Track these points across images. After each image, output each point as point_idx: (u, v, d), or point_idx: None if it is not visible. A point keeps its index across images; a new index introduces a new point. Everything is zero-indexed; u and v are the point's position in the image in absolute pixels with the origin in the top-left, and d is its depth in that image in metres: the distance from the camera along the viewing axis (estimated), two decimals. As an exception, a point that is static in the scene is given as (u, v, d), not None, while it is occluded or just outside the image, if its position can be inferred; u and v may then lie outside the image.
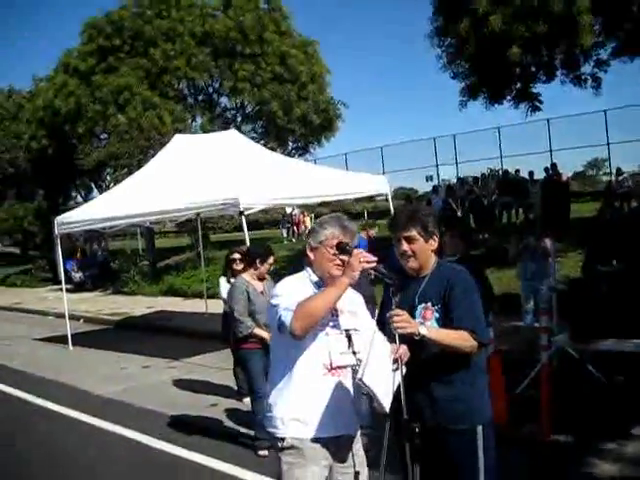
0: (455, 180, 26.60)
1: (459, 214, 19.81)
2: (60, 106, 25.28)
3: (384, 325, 3.30)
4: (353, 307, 3.43)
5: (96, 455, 6.74)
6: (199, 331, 12.62)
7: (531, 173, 21.67)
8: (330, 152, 47.05)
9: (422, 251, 3.43)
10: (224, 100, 27.84)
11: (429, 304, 3.36)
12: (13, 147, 32.36)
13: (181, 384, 9.41)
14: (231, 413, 7.68)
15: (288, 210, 27.96)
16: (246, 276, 6.56)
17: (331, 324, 3.27)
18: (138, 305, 18.21)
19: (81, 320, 16.71)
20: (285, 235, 29.78)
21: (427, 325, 3.27)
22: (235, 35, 24.63)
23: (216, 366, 9.86)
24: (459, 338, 3.23)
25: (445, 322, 3.31)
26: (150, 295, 20.19)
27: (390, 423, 3.29)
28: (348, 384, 3.29)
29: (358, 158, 34.36)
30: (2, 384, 10.19)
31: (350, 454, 3.40)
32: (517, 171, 22.67)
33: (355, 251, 3.21)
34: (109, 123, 24.05)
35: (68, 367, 11.27)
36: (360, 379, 3.02)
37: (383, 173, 30.74)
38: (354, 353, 3.29)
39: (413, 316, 3.30)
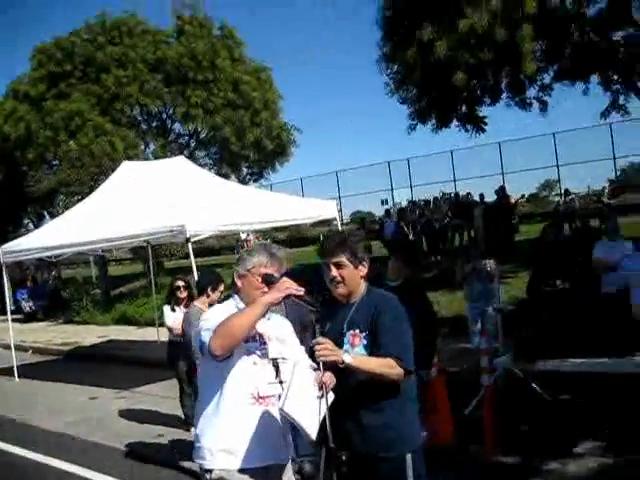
0: (407, 203, 26.86)
1: (411, 237, 19.96)
2: (10, 132, 24.99)
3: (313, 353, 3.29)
4: (282, 335, 3.42)
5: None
6: (150, 360, 12.42)
7: (481, 196, 21.97)
8: (286, 177, 47.23)
9: (351, 277, 3.43)
10: (177, 126, 27.90)
11: (357, 331, 3.36)
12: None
13: (129, 414, 9.24)
14: (177, 443, 7.56)
15: (243, 236, 27.85)
16: (198, 303, 6.69)
17: (259, 353, 3.26)
18: (89, 334, 17.86)
19: (29, 351, 16.34)
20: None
21: (352, 352, 3.27)
22: (187, 62, 24.72)
23: (165, 395, 9.70)
24: (384, 365, 3.22)
25: (373, 349, 3.30)
26: (102, 324, 19.79)
27: (322, 451, 3.28)
28: (276, 413, 3.27)
29: (314, 183, 34.61)
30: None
31: None
32: (468, 194, 22.98)
33: (283, 279, 3.23)
34: (60, 149, 23.85)
35: (12, 400, 11.00)
36: (281, 408, 3.00)
37: (339, 197, 30.98)
38: (281, 382, 3.28)
39: (342, 342, 3.31)
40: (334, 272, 3.42)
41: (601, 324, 6.70)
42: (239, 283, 3.40)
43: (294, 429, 6.05)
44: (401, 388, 3.35)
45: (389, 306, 3.42)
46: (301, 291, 3.16)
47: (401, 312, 3.43)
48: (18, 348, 14.85)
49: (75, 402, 10.47)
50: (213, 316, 3.25)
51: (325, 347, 3.10)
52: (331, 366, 3.15)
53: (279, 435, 3.31)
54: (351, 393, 3.28)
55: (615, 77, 14.80)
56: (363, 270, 3.49)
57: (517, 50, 12.63)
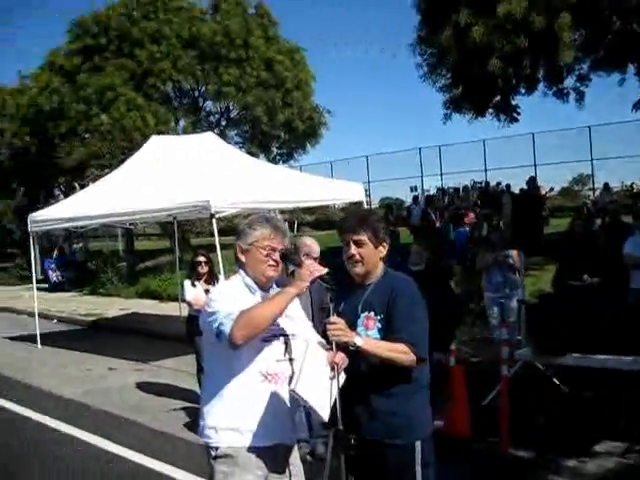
0: (435, 191, 26.63)
1: (437, 225, 19.76)
2: (44, 104, 25.14)
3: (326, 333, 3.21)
4: (290, 311, 3.31)
5: (48, 457, 6.61)
6: (170, 334, 12.46)
7: (508, 186, 21.69)
8: (315, 159, 47.13)
9: (370, 257, 3.32)
10: (209, 104, 27.82)
11: (372, 313, 3.26)
12: (-5, 144, 32.10)
13: (146, 387, 9.27)
14: (192, 418, 7.55)
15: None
16: None
17: (268, 330, 3.17)
18: (113, 306, 18.03)
19: (54, 320, 16.53)
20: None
21: (366, 335, 3.18)
22: (221, 39, 24.58)
23: (183, 369, 9.70)
24: (396, 350, 3.12)
25: (387, 332, 3.21)
26: (126, 297, 20.00)
27: (330, 433, 3.20)
28: (284, 393, 3.19)
29: (343, 167, 34.38)
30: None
31: (286, 464, 3.30)
32: (498, 184, 22.70)
33: (306, 262, 3.17)
34: (92, 123, 23.93)
35: (34, 366, 11.14)
36: (293, 390, 2.94)
37: (368, 182, 30.79)
38: (290, 360, 3.21)
39: (355, 324, 3.22)
40: (353, 250, 3.31)
41: (629, 321, 6.55)
42: (242, 258, 3.30)
43: (307, 410, 6.02)
44: (413, 375, 3.25)
45: (406, 290, 3.31)
46: (324, 270, 3.08)
47: (418, 297, 3.32)
48: (44, 317, 15.01)
49: (94, 372, 10.56)
50: (223, 297, 3.16)
51: (338, 327, 3.03)
52: (343, 347, 3.08)
53: (287, 414, 3.24)
54: (362, 376, 3.20)
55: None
56: (383, 251, 3.38)
57: (555, 38, 12.39)
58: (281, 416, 3.20)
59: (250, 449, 3.15)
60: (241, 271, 3.33)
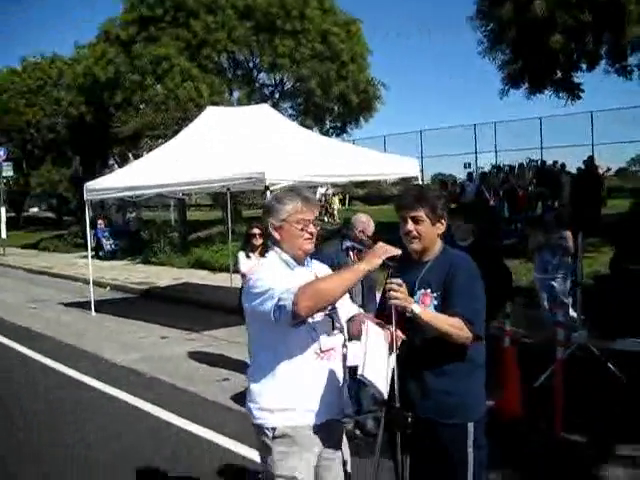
0: (490, 168, 26.21)
1: (491, 202, 19.52)
2: (99, 74, 25.42)
3: (383, 311, 3.18)
4: None
5: (103, 421, 6.77)
6: (221, 305, 12.57)
7: (563, 165, 21.23)
8: (369, 134, 46.87)
9: (428, 233, 3.27)
10: (263, 76, 27.72)
11: (429, 290, 3.21)
12: (53, 113, 32.71)
13: (197, 356, 9.39)
14: (242, 389, 7.63)
15: (321, 190, 27.78)
16: None
17: None
18: (165, 276, 18.30)
19: (107, 287, 16.84)
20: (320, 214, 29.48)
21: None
22: (277, 10, 24.41)
23: (234, 340, 9.77)
24: (453, 325, 3.06)
25: (444, 308, 3.16)
26: (178, 267, 20.24)
27: (385, 410, 3.18)
28: (337, 367, 3.20)
29: (397, 141, 34.15)
30: (23, 346, 10.34)
31: (340, 440, 3.31)
32: (555, 163, 22.24)
33: (380, 243, 3.10)
34: (146, 93, 24.11)
35: (87, 333, 11.38)
36: (362, 375, 2.90)
37: (421, 158, 30.49)
38: (341, 331, 3.21)
39: None
40: (410, 226, 3.26)
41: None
42: (277, 235, 3.21)
43: (357, 385, 6.05)
44: (469, 354, 3.19)
45: (465, 266, 3.26)
46: (398, 252, 3.02)
47: (476, 273, 3.27)
48: (98, 284, 15.29)
49: (146, 340, 10.74)
50: (271, 275, 3.08)
51: (400, 290, 2.98)
52: (398, 322, 3.04)
53: (339, 390, 3.23)
54: (416, 354, 3.16)
55: None
56: (441, 227, 3.32)
57: (621, 12, 11.99)
58: (334, 392, 3.19)
59: (307, 427, 3.13)
60: (276, 248, 3.25)
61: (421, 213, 3.25)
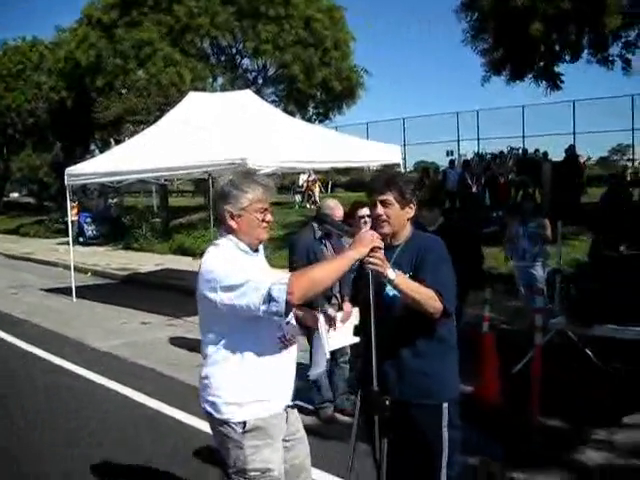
0: (472, 155, 26.32)
1: (474, 189, 19.60)
2: (81, 58, 25.17)
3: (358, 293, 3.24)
4: (267, 267, 3.33)
5: (86, 407, 6.77)
6: (203, 291, 12.54)
7: (545, 154, 21.35)
8: (351, 120, 46.83)
9: (396, 217, 3.33)
10: (246, 61, 27.59)
11: (400, 273, 3.25)
12: (34, 97, 32.38)
13: (178, 342, 9.40)
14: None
15: (304, 177, 27.75)
16: None
17: None
18: (147, 262, 18.27)
19: (89, 273, 16.79)
20: (299, 200, 29.46)
21: (394, 294, 3.17)
22: (260, -4, 24.27)
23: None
24: (425, 294, 3.09)
25: None
26: (159, 252, 20.26)
27: (360, 394, 3.22)
28: (295, 354, 3.25)
29: (379, 128, 34.12)
30: (3, 332, 10.29)
31: (295, 420, 3.35)
32: (536, 151, 22.39)
33: (365, 232, 3.09)
34: (129, 78, 23.92)
35: (69, 319, 11.34)
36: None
37: (404, 145, 30.53)
38: (296, 319, 3.30)
39: (385, 284, 3.22)
40: (380, 210, 3.32)
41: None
42: (233, 224, 3.07)
43: (333, 371, 6.12)
44: (442, 334, 3.27)
45: (434, 247, 3.33)
46: (382, 242, 3.04)
47: (446, 255, 3.32)
48: (79, 270, 15.23)
49: (127, 326, 10.74)
50: (236, 267, 2.98)
51: (377, 255, 2.98)
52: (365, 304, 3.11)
53: (294, 376, 3.28)
54: (390, 335, 3.21)
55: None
56: (410, 212, 3.39)
57: (601, 2, 12.05)
58: (293, 379, 3.25)
59: (276, 416, 3.13)
60: (231, 237, 3.11)
61: (390, 197, 3.30)
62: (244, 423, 3.05)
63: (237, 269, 2.96)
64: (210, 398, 3.13)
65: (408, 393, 3.23)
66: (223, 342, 3.08)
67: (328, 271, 2.95)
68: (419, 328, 3.20)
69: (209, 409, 3.14)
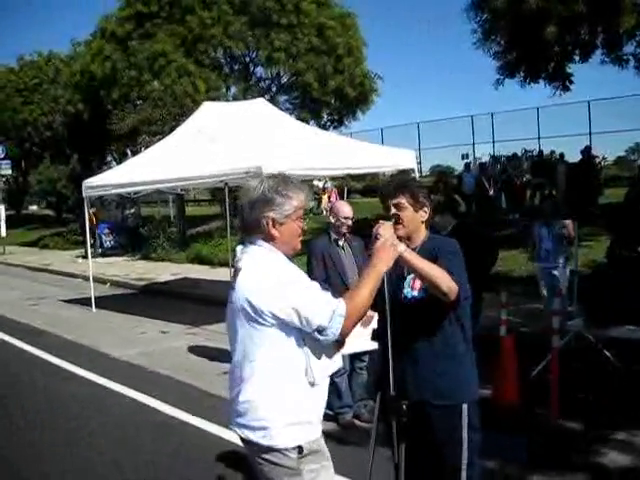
0: (488, 158, 26.24)
1: (490, 193, 19.55)
2: (96, 71, 25.41)
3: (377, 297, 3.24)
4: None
5: (103, 415, 6.83)
6: (221, 299, 12.50)
7: (561, 155, 21.25)
8: (366, 126, 46.84)
9: (410, 220, 3.37)
10: (259, 70, 27.66)
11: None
12: (50, 111, 32.71)
13: (197, 350, 9.45)
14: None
15: (319, 184, 27.76)
16: None
17: None
18: (164, 271, 18.36)
19: (108, 284, 16.90)
20: (314, 207, 29.35)
21: (412, 296, 3.21)
22: (272, 5, 24.36)
23: (233, 335, 9.83)
24: (438, 270, 3.07)
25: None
26: (177, 262, 20.33)
27: (380, 399, 3.24)
28: None
29: (394, 133, 34.09)
30: (23, 343, 10.39)
31: None
32: (552, 152, 22.27)
33: (384, 240, 2.94)
34: (144, 89, 24.09)
35: (88, 329, 11.42)
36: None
37: (419, 150, 30.48)
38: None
39: (402, 286, 3.27)
40: (393, 211, 3.37)
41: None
42: (275, 233, 2.83)
43: (350, 377, 6.15)
44: (459, 335, 3.31)
45: (449, 247, 3.36)
46: (401, 243, 3.03)
47: (459, 252, 3.35)
48: (98, 281, 15.34)
49: (146, 335, 10.81)
50: (299, 279, 2.81)
51: (386, 227, 3.00)
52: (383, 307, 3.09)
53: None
54: (409, 337, 3.24)
55: None
56: (424, 215, 3.43)
57: (615, 3, 12.00)
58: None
59: (322, 435, 2.92)
60: (269, 245, 2.87)
61: (402, 200, 3.36)
62: (299, 448, 2.78)
63: (299, 279, 2.80)
64: (255, 424, 2.82)
65: (427, 395, 3.26)
66: (272, 361, 2.80)
67: (367, 292, 2.77)
68: (437, 330, 3.24)
69: (253, 437, 2.83)
